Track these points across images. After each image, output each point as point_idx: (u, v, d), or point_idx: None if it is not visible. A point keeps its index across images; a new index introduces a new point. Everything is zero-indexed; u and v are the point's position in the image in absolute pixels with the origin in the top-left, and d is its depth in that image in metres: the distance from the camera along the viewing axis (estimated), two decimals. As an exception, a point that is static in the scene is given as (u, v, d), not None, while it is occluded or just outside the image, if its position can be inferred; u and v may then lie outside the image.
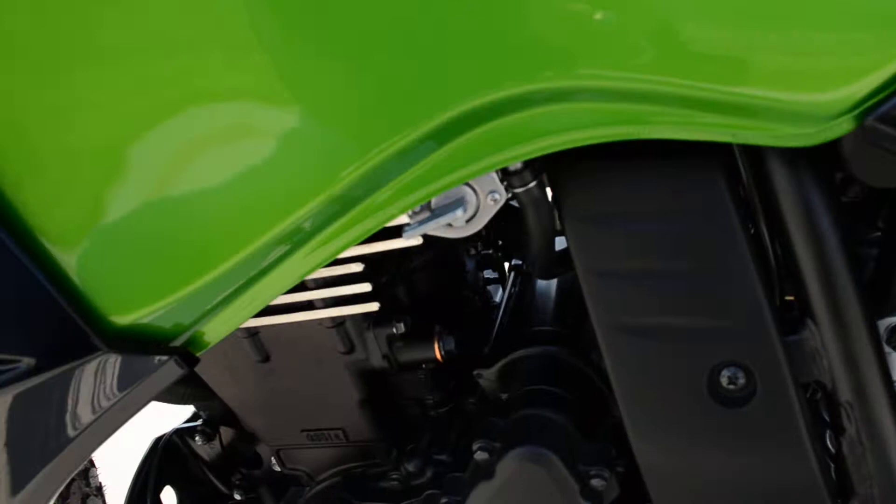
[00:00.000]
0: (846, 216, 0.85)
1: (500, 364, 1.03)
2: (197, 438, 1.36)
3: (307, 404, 1.11)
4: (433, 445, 1.09)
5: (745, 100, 0.58)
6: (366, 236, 0.69)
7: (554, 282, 1.17)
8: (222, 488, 1.39)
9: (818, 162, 0.68)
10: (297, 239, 0.70)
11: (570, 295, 1.10)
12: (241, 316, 0.75)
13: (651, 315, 0.76)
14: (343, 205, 0.67)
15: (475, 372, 1.04)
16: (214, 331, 0.76)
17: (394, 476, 1.10)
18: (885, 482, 0.78)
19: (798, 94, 0.57)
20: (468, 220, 0.70)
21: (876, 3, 0.53)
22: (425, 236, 0.94)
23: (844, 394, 0.75)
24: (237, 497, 1.41)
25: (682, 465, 0.82)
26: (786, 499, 0.81)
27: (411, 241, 0.79)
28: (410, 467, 1.08)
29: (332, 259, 0.71)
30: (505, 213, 0.79)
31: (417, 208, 0.71)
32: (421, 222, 0.69)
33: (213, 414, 1.36)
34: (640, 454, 0.83)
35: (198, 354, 0.78)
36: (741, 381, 0.76)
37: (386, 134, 0.63)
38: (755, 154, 0.69)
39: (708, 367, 0.76)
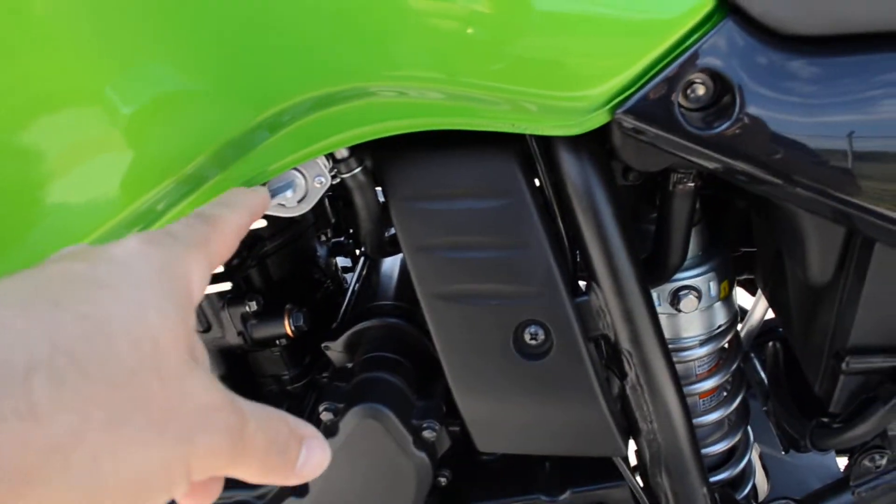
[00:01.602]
0: (626, 197, 1.00)
1: (345, 336, 1.12)
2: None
3: (169, 383, 1.16)
4: (290, 416, 1.16)
5: (517, 97, 0.69)
6: (210, 215, 0.78)
7: (397, 264, 1.28)
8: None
9: (597, 152, 0.80)
10: (149, 220, 0.78)
11: (407, 273, 1.21)
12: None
13: (464, 283, 0.87)
14: (192, 185, 0.75)
15: (323, 345, 1.13)
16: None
17: (254, 446, 1.16)
18: (661, 417, 0.92)
19: (559, 92, 0.68)
20: (299, 201, 0.80)
21: (618, 19, 0.64)
22: (273, 222, 1.03)
23: (624, 343, 0.88)
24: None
25: (496, 413, 0.93)
26: (584, 436, 0.94)
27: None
28: (269, 437, 1.14)
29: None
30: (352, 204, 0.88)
31: (255, 190, 0.80)
32: (257, 203, 0.79)
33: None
34: (462, 406, 0.93)
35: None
36: (541, 336, 0.87)
37: (226, 124, 0.72)
38: (546, 144, 0.80)
39: (513, 326, 0.87)
